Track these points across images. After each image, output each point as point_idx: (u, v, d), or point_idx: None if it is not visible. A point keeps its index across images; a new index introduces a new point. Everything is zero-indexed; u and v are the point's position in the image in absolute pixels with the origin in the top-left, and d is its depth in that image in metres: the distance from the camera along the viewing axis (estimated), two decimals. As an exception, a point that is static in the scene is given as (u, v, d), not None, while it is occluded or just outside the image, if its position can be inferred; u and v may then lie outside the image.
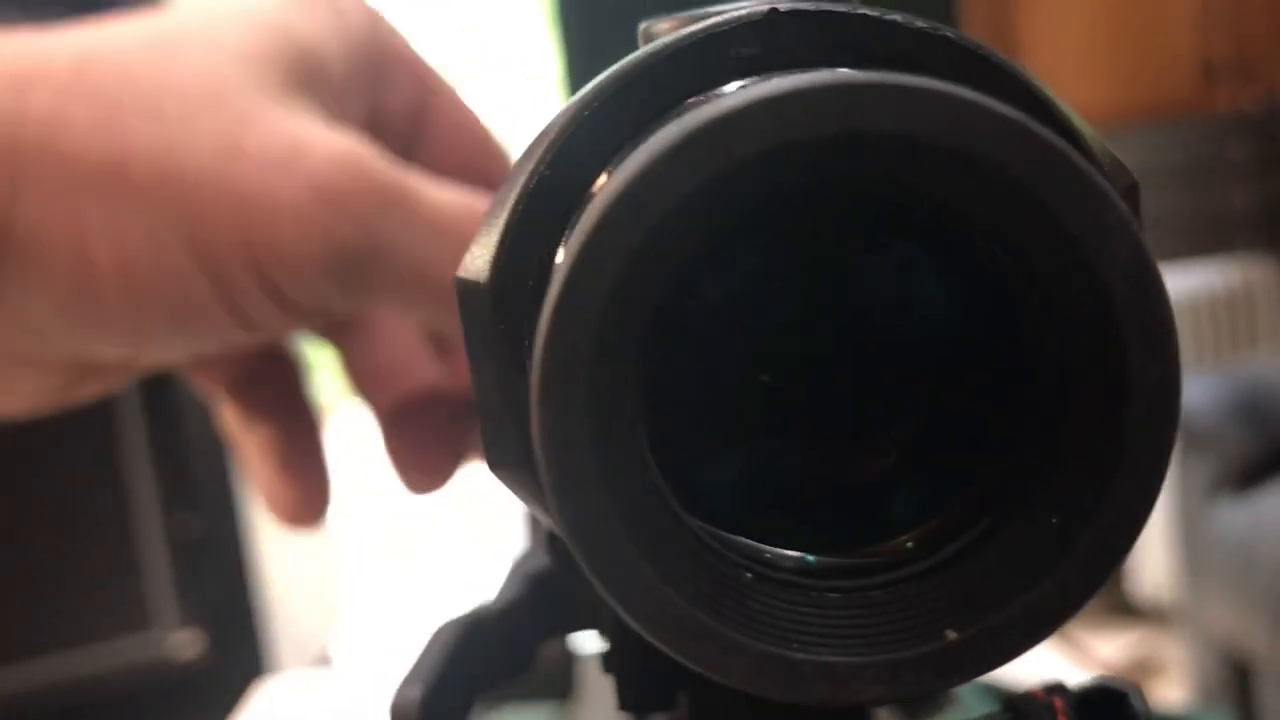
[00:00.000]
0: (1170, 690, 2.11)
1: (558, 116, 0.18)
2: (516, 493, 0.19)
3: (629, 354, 0.14)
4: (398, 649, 2.12)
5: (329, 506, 0.36)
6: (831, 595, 0.15)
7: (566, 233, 0.17)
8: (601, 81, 0.17)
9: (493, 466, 0.19)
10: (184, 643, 2.28)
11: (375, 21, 0.33)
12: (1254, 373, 1.80)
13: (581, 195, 0.17)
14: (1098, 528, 0.14)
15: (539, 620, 0.29)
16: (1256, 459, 1.68)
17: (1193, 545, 1.75)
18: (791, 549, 0.16)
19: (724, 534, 0.16)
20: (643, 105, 0.17)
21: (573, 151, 0.17)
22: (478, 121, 0.34)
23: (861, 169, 0.14)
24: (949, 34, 0.17)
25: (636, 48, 0.18)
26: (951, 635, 0.15)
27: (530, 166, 0.17)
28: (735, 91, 0.14)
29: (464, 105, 0.34)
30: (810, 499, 0.17)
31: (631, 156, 0.14)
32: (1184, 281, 2.45)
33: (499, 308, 0.17)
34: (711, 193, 0.14)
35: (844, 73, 0.14)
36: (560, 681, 0.72)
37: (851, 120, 0.13)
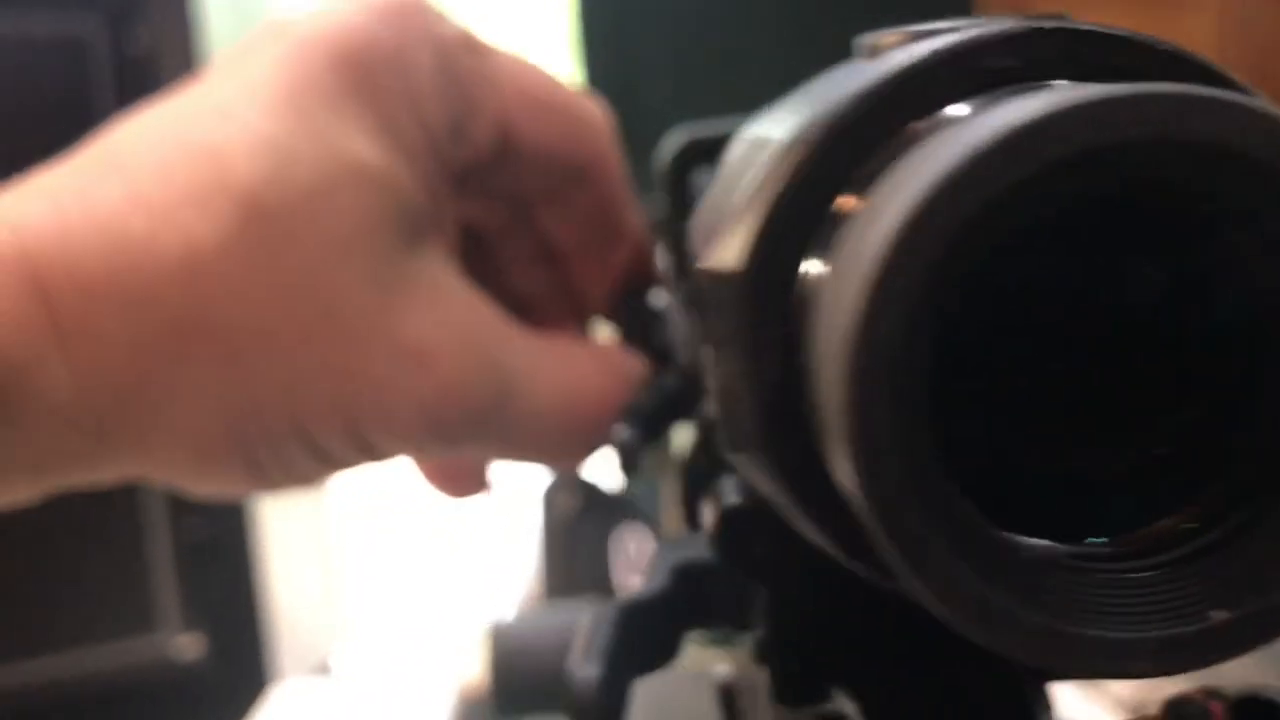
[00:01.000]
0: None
1: (815, 117, 0.19)
2: (749, 474, 0.20)
3: (929, 349, 0.15)
4: (399, 660, 2.11)
5: (486, 485, 0.37)
6: (1103, 576, 0.16)
7: (817, 239, 0.18)
8: (862, 88, 0.18)
9: (733, 449, 0.20)
10: (186, 645, 2.28)
11: (462, 49, 0.32)
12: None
13: (833, 200, 0.18)
14: None
15: (684, 610, 0.30)
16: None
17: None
18: (1067, 535, 0.17)
19: (1004, 519, 0.17)
20: (901, 112, 0.18)
21: (830, 155, 0.18)
22: (553, 86, 0.33)
23: (1166, 175, 0.15)
24: (1175, 50, 0.18)
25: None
26: (1217, 616, 0.16)
27: (792, 163, 0.18)
28: (1044, 96, 0.15)
29: (531, 70, 0.33)
30: (1085, 487, 0.18)
31: (913, 162, 0.15)
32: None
33: (753, 296, 0.18)
34: (1019, 195, 0.15)
35: (1146, 85, 0.15)
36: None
37: (1167, 127, 0.14)
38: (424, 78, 0.31)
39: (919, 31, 0.20)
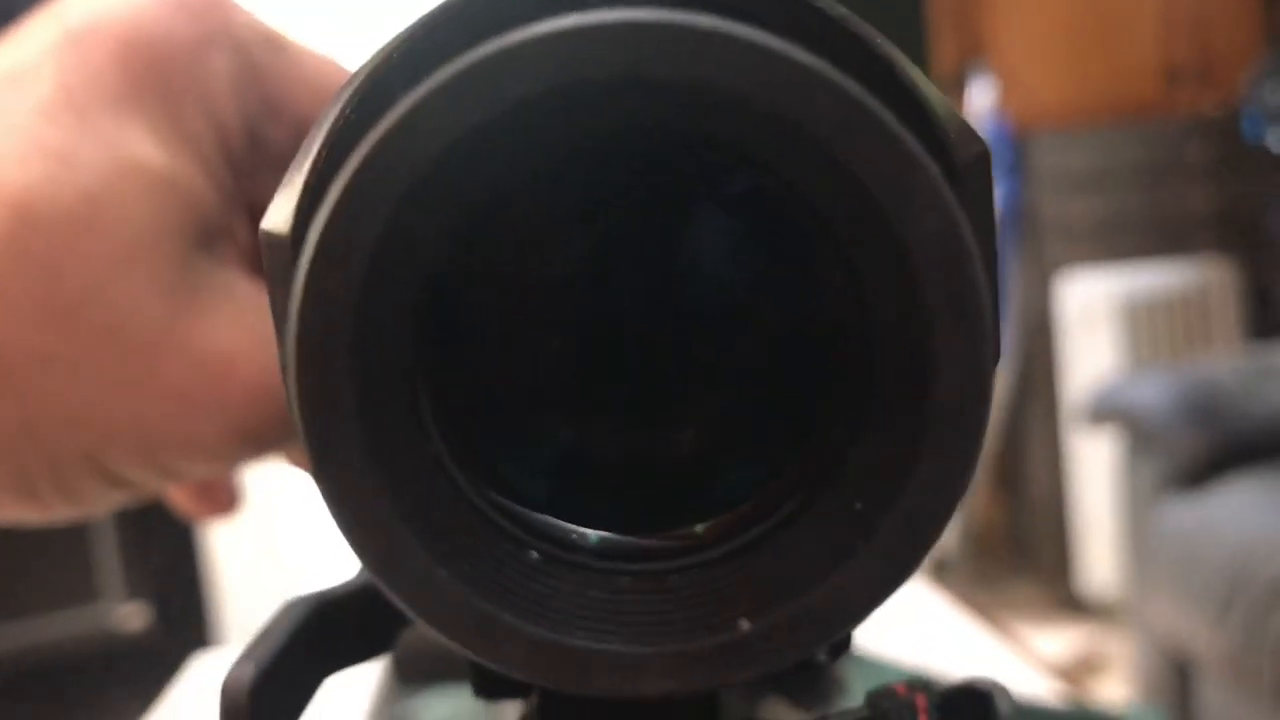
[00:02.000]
0: (1114, 687, 2.12)
1: (369, 59, 0.17)
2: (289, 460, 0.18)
3: (400, 311, 0.13)
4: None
5: (239, 502, 0.35)
6: (623, 579, 0.14)
7: None
8: (414, 21, 0.16)
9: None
10: (130, 615, 2.27)
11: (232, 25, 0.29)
12: (1206, 372, 1.81)
13: None
14: (901, 514, 0.13)
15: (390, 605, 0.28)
16: (1205, 458, 1.68)
17: (1140, 543, 1.76)
18: (592, 530, 0.15)
19: (517, 510, 0.15)
20: (455, 44, 0.16)
21: (378, 94, 0.16)
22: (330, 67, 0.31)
23: (650, 115, 0.13)
24: None
25: None
26: (745, 625, 0.14)
27: (336, 111, 0.16)
28: (522, 28, 0.13)
29: (336, 69, 0.31)
30: (613, 477, 0.16)
31: (406, 95, 0.13)
32: (1142, 281, 2.46)
33: (296, 258, 0.16)
34: (488, 136, 0.13)
35: (630, 11, 0.13)
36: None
37: (631, 61, 0.12)
38: (220, 76, 0.28)
39: None
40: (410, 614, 0.14)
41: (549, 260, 0.15)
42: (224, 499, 0.34)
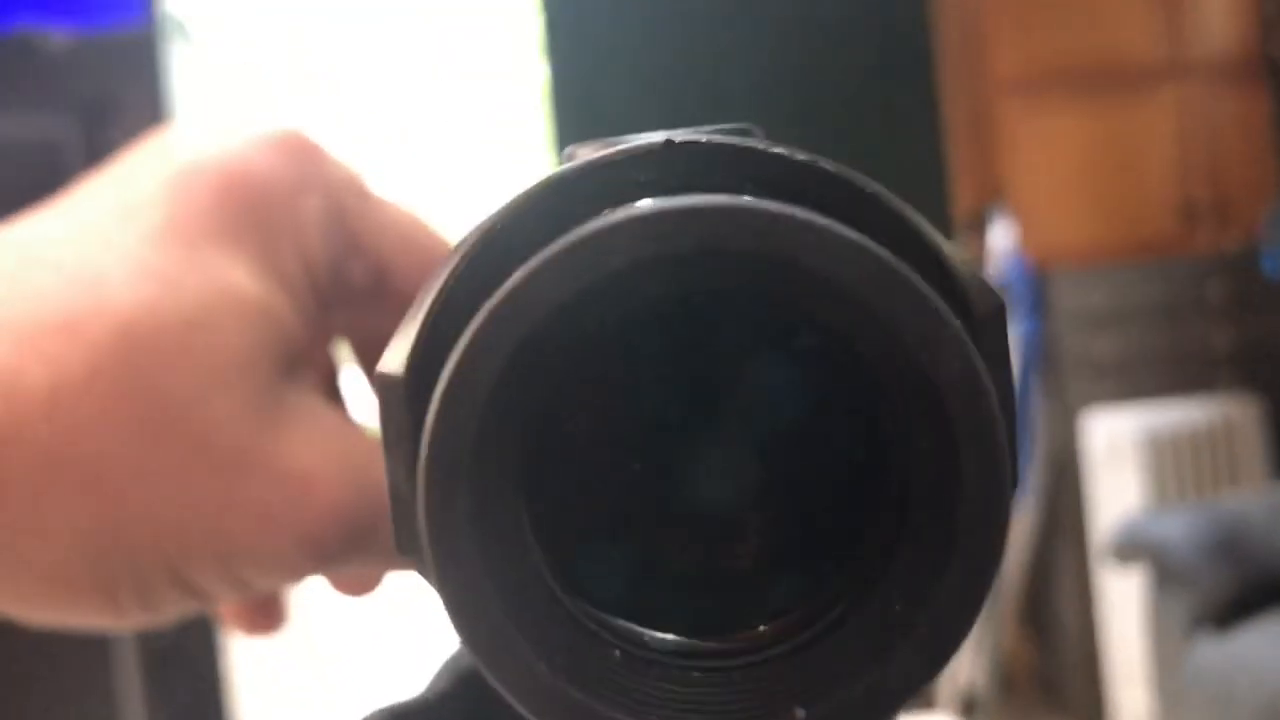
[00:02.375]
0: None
1: (478, 225, 0.20)
2: (426, 577, 0.20)
3: (511, 443, 0.16)
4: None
5: (287, 620, 0.37)
6: (695, 674, 0.17)
7: None
8: (518, 196, 0.19)
9: (401, 550, 0.20)
10: (152, 752, 2.24)
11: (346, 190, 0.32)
12: (1232, 510, 1.81)
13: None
14: (933, 615, 0.16)
15: (465, 714, 0.30)
16: (1234, 597, 1.68)
17: (1170, 682, 1.74)
18: (666, 632, 0.18)
19: (601, 614, 0.17)
20: (551, 220, 0.19)
21: (486, 259, 0.19)
22: (430, 236, 0.34)
23: (719, 281, 0.15)
24: (826, 165, 0.19)
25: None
26: (800, 713, 0.16)
27: (449, 270, 0.19)
28: (609, 213, 0.16)
29: (411, 219, 0.34)
30: (685, 585, 0.18)
31: (521, 262, 0.16)
32: (1164, 418, 2.47)
33: (412, 400, 0.19)
34: (586, 299, 0.15)
35: (702, 197, 0.15)
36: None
37: (709, 237, 0.15)
38: (311, 216, 0.31)
39: (612, 141, 0.21)
40: (513, 701, 0.16)
41: (637, 400, 0.18)
42: (274, 616, 0.36)
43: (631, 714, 0.16)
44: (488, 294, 0.19)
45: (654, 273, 0.15)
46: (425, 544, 0.16)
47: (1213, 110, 2.61)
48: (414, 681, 0.32)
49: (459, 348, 0.16)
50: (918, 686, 0.16)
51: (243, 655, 2.19)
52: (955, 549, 0.16)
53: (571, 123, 2.47)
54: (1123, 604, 2.32)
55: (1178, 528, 1.76)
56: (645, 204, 0.15)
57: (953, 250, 0.19)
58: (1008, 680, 2.61)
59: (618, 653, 0.17)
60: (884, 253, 0.15)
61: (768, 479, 0.18)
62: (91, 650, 2.07)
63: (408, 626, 2.34)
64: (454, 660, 0.31)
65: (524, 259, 0.19)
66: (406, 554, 0.20)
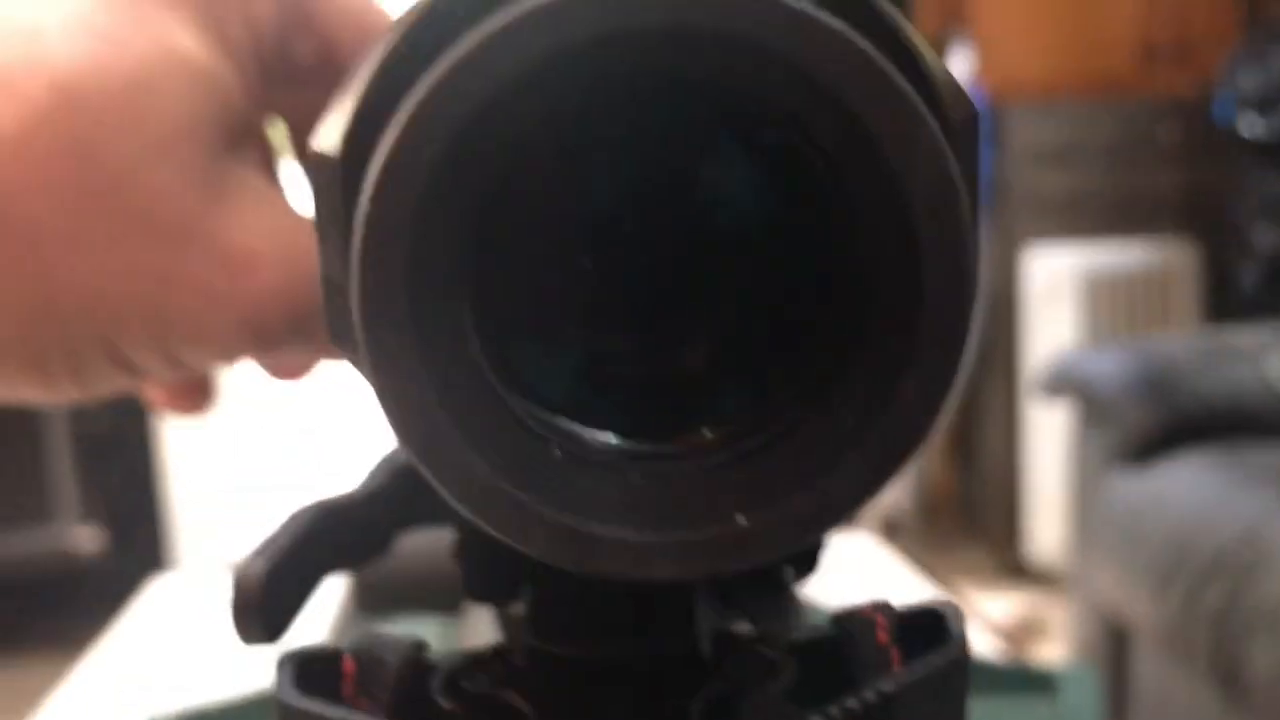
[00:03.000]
0: (1053, 650, 2.18)
1: None
2: (359, 369, 0.20)
3: (451, 230, 0.15)
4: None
5: (215, 402, 0.36)
6: (635, 477, 0.16)
7: None
8: None
9: (334, 339, 0.19)
10: (85, 537, 2.27)
11: None
12: (1160, 349, 1.84)
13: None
14: (885, 427, 0.15)
15: (398, 509, 0.30)
16: (1156, 433, 1.72)
17: (1086, 512, 1.80)
18: (608, 432, 0.17)
19: (542, 413, 0.17)
20: None
21: (427, 29, 0.17)
22: (380, 15, 0.33)
23: (685, 64, 0.14)
24: None
25: None
26: (741, 520, 0.15)
27: (387, 42, 0.18)
28: None
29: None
30: (630, 386, 0.18)
31: (465, 36, 0.15)
32: (1104, 258, 2.50)
33: (347, 181, 0.18)
34: (538, 77, 0.14)
35: None
36: (450, 595, 0.73)
37: (673, 14, 0.14)
38: None
39: None
40: (449, 499, 0.16)
41: (586, 191, 0.17)
42: (202, 397, 0.35)
43: (570, 515, 0.15)
44: (430, 67, 0.17)
45: (613, 49, 0.14)
46: (359, 335, 0.15)
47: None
48: (345, 479, 0.31)
49: (397, 124, 0.14)
50: (862, 501, 0.15)
51: (176, 445, 2.19)
52: (913, 362, 0.15)
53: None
54: (1046, 437, 2.38)
55: (1107, 365, 1.79)
56: None
57: (929, 52, 0.18)
58: (930, 505, 2.69)
59: (558, 452, 0.16)
60: (866, 45, 0.14)
61: (719, 279, 0.17)
62: (23, 438, 2.07)
63: (340, 422, 2.36)
64: (388, 458, 0.31)
65: (470, 29, 0.17)
66: (340, 344, 0.19)
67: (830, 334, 0.16)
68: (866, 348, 0.15)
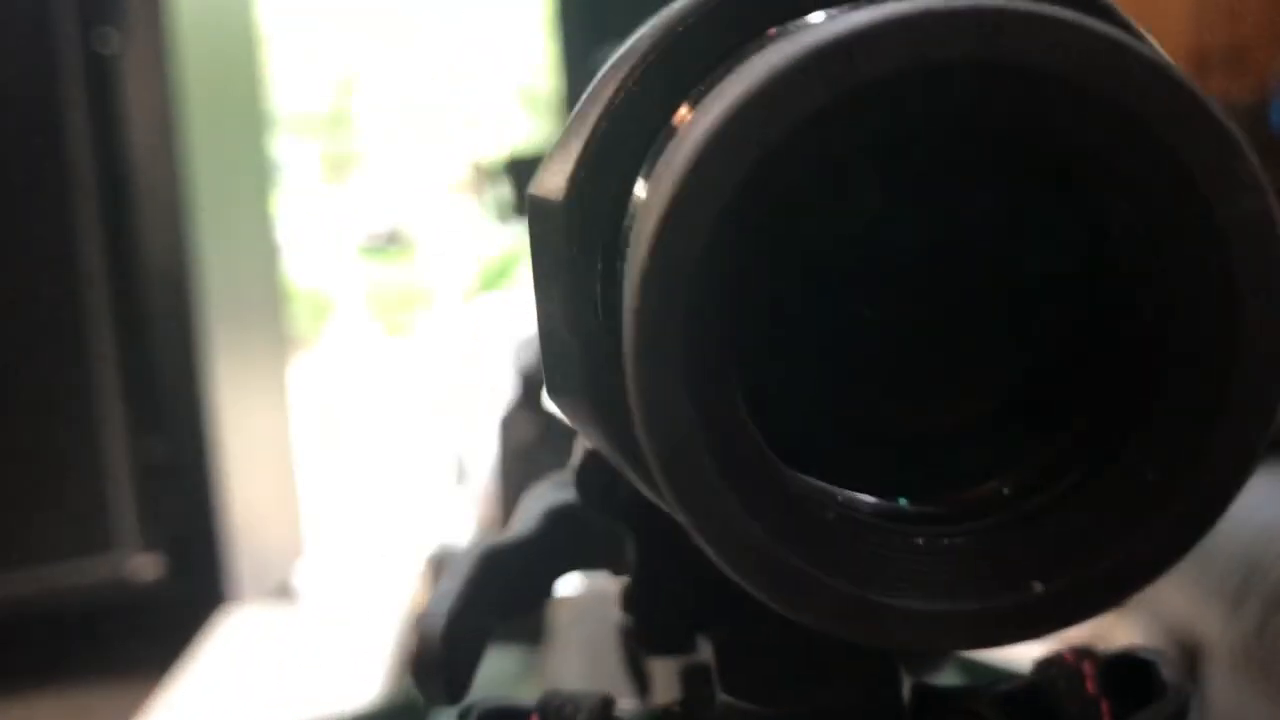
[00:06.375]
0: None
1: (644, 35, 0.17)
2: (573, 419, 0.19)
3: (730, 283, 0.14)
4: (363, 583, 2.12)
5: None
6: (917, 541, 0.15)
7: (650, 158, 0.17)
8: (687, 4, 0.17)
9: (552, 392, 0.18)
10: (144, 565, 2.27)
11: None
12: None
13: (665, 120, 0.17)
14: (1194, 484, 0.14)
15: (557, 554, 0.29)
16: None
17: None
18: (881, 493, 0.16)
19: (809, 477, 0.16)
20: (732, 31, 0.17)
21: (659, 73, 0.17)
22: None
23: (992, 100, 0.13)
24: None
25: None
26: (1037, 588, 0.14)
27: (615, 85, 0.17)
28: (861, 10, 0.13)
29: None
30: (902, 443, 0.17)
31: (738, 76, 0.14)
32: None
33: (575, 229, 0.17)
34: (832, 118, 0.13)
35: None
36: (532, 625, 0.72)
37: (994, 45, 0.13)
38: None
39: None
40: (723, 565, 0.15)
41: (872, 238, 0.16)
42: None
43: (851, 581, 0.14)
44: (670, 106, 0.16)
45: (916, 85, 0.13)
46: (632, 398, 0.14)
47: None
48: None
49: (673, 170, 0.13)
50: (1172, 562, 0.14)
51: (237, 471, 2.20)
52: (1226, 412, 0.14)
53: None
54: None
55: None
56: (896, 4, 0.13)
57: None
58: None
59: (831, 515, 0.15)
60: (1180, 73, 0.13)
61: (1011, 327, 0.16)
62: (84, 466, 2.08)
63: (400, 451, 2.35)
64: (539, 499, 0.30)
65: (703, 76, 0.16)
66: (557, 396, 0.18)
67: (1130, 381, 0.15)
68: (1171, 396, 0.14)
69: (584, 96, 0.18)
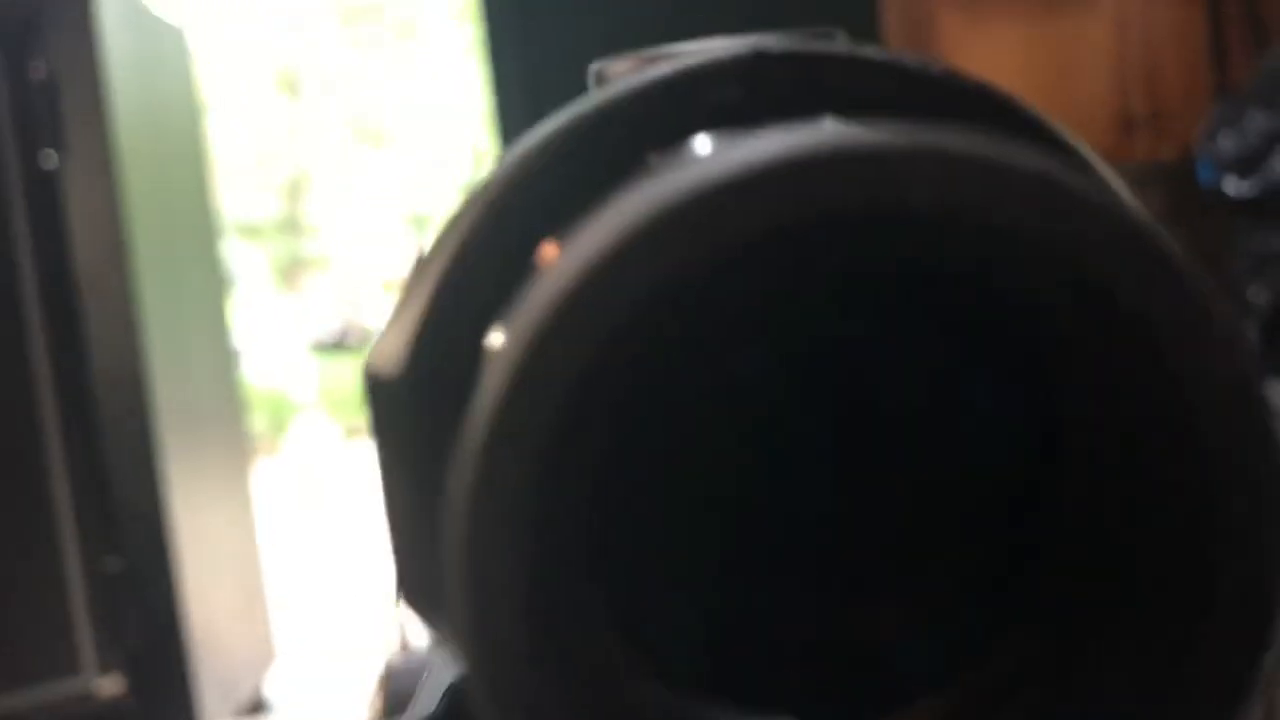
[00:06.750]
0: None
1: (495, 171, 0.14)
2: (435, 633, 0.16)
3: (580, 474, 0.11)
4: (336, 692, 2.07)
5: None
6: None
7: (507, 314, 0.14)
8: (548, 132, 0.14)
9: (408, 600, 0.15)
10: (105, 685, 2.21)
11: None
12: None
13: (522, 268, 0.14)
14: (1178, 713, 0.11)
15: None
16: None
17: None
18: (780, 716, 0.13)
19: (689, 702, 0.13)
20: (598, 160, 0.14)
21: (512, 214, 0.14)
22: None
23: (897, 251, 0.10)
24: (961, 79, 0.14)
25: (584, 91, 0.15)
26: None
27: (461, 232, 0.14)
28: (750, 140, 0.11)
29: None
30: (804, 658, 0.13)
31: (590, 232, 0.11)
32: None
33: (416, 406, 0.14)
34: (693, 281, 0.10)
35: (864, 132, 0.10)
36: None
37: (890, 193, 0.10)
38: None
39: (655, 55, 0.16)
40: None
41: (743, 414, 0.13)
42: None
43: None
44: (518, 262, 0.14)
45: (796, 241, 0.10)
46: (457, 605, 0.11)
47: (1150, 20, 2.59)
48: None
49: (514, 345, 0.11)
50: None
51: (196, 581, 2.14)
52: (1207, 638, 0.11)
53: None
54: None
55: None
56: (780, 141, 0.10)
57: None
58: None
59: None
60: (1142, 220, 0.10)
61: (921, 518, 0.13)
62: (41, 584, 2.02)
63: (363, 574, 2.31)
64: (437, 676, 0.27)
65: (567, 213, 0.14)
66: (416, 606, 0.15)
67: (1064, 590, 0.12)
68: (1138, 604, 0.11)
69: (431, 244, 0.15)
